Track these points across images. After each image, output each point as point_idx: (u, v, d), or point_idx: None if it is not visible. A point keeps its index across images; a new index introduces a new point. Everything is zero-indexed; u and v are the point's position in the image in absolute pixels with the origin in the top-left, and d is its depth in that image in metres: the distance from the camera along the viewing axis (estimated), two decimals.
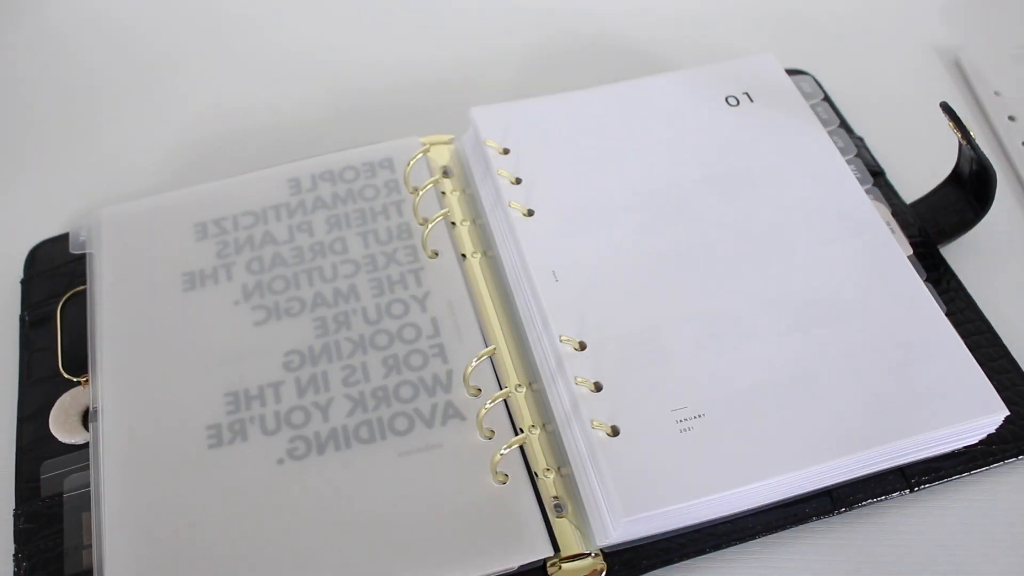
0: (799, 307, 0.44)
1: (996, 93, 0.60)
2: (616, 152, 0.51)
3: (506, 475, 0.42)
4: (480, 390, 0.44)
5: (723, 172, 0.50)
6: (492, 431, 0.43)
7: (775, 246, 0.46)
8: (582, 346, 0.43)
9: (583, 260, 0.46)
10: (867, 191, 0.50)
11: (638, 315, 0.44)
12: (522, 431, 0.43)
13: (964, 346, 0.43)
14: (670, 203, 0.48)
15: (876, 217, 0.47)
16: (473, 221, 0.51)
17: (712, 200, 0.48)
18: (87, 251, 0.49)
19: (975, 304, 0.49)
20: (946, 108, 0.48)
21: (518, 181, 0.49)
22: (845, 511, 0.42)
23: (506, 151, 0.50)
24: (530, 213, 0.48)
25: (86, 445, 0.44)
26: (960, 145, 0.49)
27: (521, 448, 0.42)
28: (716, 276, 0.45)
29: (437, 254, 0.49)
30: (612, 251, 0.46)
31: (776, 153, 0.50)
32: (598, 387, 0.42)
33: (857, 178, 0.50)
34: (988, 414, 0.41)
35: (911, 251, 0.49)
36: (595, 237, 0.47)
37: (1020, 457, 0.44)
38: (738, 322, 0.44)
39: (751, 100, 0.53)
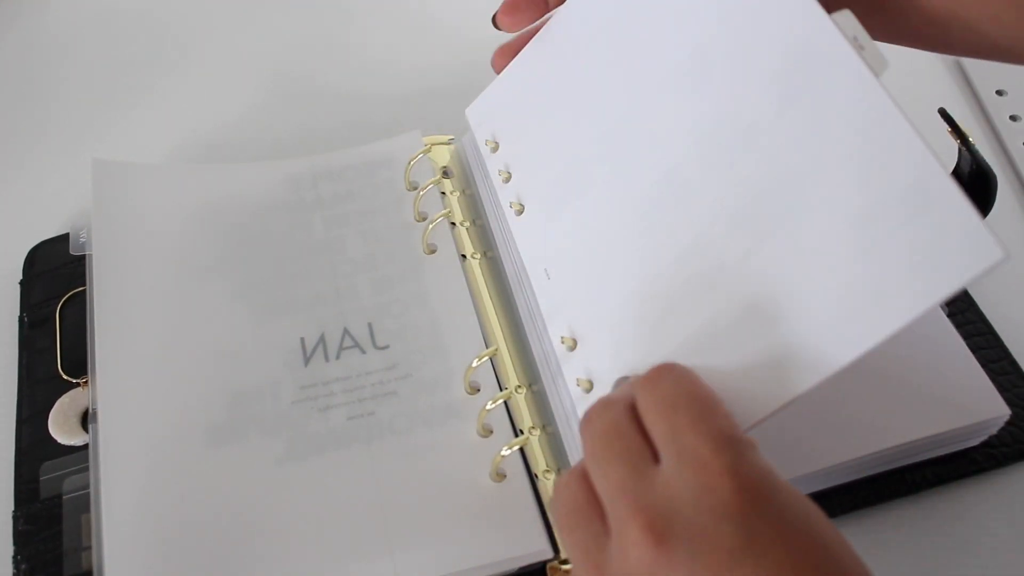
0: (770, 209, 0.36)
1: (998, 92, 0.60)
2: (579, 87, 0.45)
3: (504, 475, 0.42)
4: (478, 389, 0.44)
5: (678, 60, 0.40)
6: (491, 430, 0.43)
7: (737, 136, 0.37)
8: (576, 343, 0.42)
9: (568, 247, 0.43)
10: None
11: (625, 289, 0.40)
12: (522, 432, 0.43)
13: (966, 347, 0.43)
14: (633, 137, 0.41)
15: (837, 40, 0.36)
16: (473, 222, 0.51)
17: (671, 107, 0.40)
18: (87, 252, 0.49)
19: (976, 305, 0.49)
20: (944, 115, 0.48)
21: (509, 177, 0.48)
22: (845, 515, 0.42)
23: (496, 146, 0.49)
24: (521, 209, 0.47)
25: (85, 447, 0.44)
26: (960, 149, 0.49)
27: (521, 449, 0.42)
28: (689, 208, 0.38)
29: (436, 254, 0.49)
30: (591, 226, 0.42)
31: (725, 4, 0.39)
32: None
33: None
34: (990, 416, 0.41)
35: (887, 62, 0.38)
36: (573, 212, 0.43)
37: (1021, 460, 0.44)
38: (713, 260, 0.37)
39: None
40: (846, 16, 0.37)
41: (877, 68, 0.37)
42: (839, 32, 0.36)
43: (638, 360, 0.38)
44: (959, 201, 0.32)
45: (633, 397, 0.33)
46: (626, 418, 0.32)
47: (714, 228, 0.37)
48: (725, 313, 0.36)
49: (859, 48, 0.36)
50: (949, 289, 0.32)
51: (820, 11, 0.36)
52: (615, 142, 0.42)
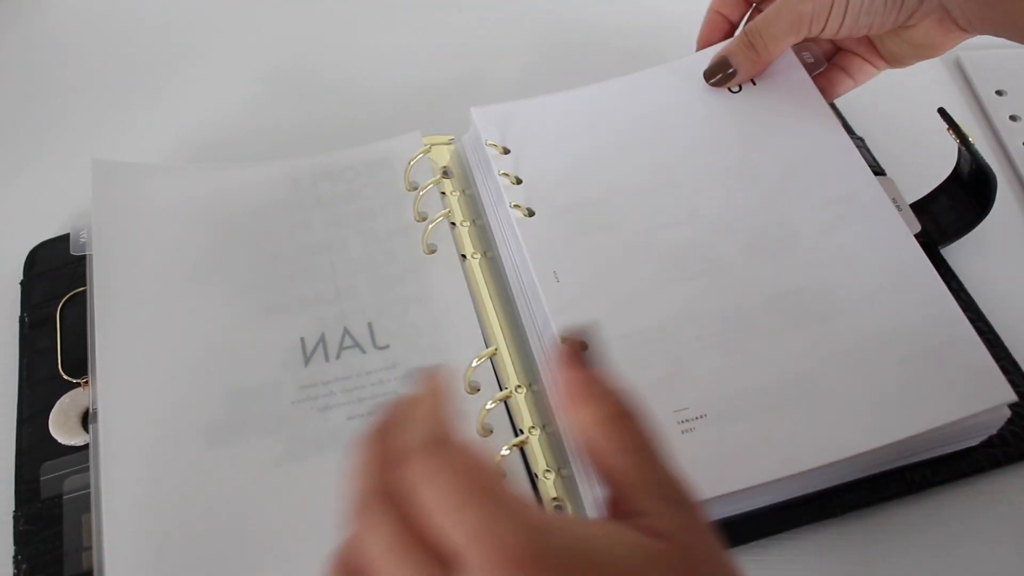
0: (804, 301, 0.44)
1: (997, 93, 0.60)
2: (617, 149, 0.50)
3: (504, 474, 0.41)
4: (478, 389, 0.44)
5: (727, 164, 0.49)
6: (491, 430, 0.43)
7: (781, 238, 0.46)
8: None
9: (584, 260, 0.46)
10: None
11: (640, 315, 0.44)
12: (522, 432, 0.43)
13: (978, 339, 0.42)
14: (673, 200, 0.48)
15: (883, 197, 0.47)
16: (473, 222, 0.51)
17: (716, 194, 0.48)
18: (87, 252, 0.49)
19: (976, 305, 0.49)
20: (944, 114, 0.48)
21: (519, 181, 0.49)
22: (845, 515, 0.42)
23: (506, 151, 0.50)
24: (531, 213, 0.47)
25: (86, 447, 0.44)
26: (959, 148, 0.49)
27: (521, 449, 0.42)
28: (720, 274, 0.45)
29: (436, 254, 0.49)
30: (613, 250, 0.46)
31: (780, 137, 0.50)
32: None
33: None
34: (991, 403, 0.41)
35: (919, 227, 0.49)
36: (596, 236, 0.46)
37: (1021, 460, 0.44)
38: (742, 320, 0.43)
39: (753, 83, 0.52)
40: (888, 181, 0.51)
41: (912, 227, 0.47)
42: (883, 191, 0.47)
43: (647, 364, 0.43)
44: (977, 345, 0.41)
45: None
46: None
47: (749, 302, 0.44)
48: (755, 374, 0.42)
49: (897, 208, 0.47)
50: (960, 414, 0.39)
51: (869, 173, 0.48)
52: (656, 203, 0.48)
